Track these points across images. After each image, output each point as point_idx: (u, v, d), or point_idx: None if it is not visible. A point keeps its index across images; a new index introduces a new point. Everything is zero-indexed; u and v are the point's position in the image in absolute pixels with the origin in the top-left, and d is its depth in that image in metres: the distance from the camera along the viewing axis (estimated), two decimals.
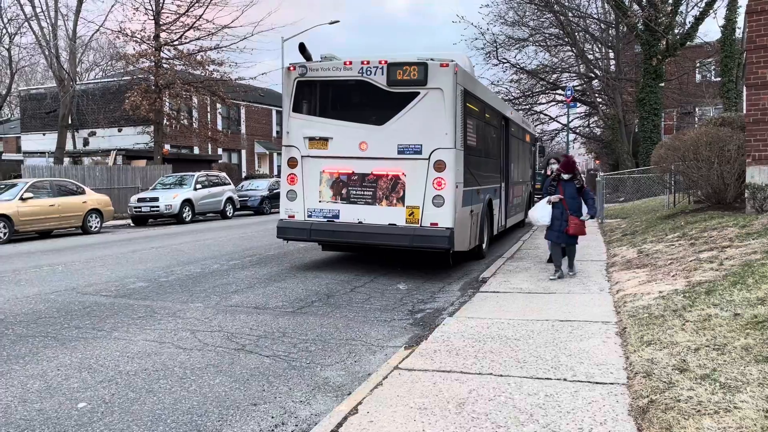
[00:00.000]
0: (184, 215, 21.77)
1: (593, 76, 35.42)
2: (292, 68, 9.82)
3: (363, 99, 9.56)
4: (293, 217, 9.90)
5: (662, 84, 27.67)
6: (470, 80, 10.48)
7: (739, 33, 25.72)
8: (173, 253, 12.55)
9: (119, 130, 34.69)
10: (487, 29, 35.46)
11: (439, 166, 9.03)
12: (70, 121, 32.63)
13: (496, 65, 34.12)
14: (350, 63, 9.45)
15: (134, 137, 33.54)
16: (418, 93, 9.11)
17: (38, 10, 28.59)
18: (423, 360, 4.97)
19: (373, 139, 9.36)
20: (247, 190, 27.42)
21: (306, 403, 4.41)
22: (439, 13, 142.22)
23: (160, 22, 28.74)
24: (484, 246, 11.40)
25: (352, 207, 9.53)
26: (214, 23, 29.47)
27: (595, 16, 33.85)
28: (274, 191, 26.47)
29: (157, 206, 21.35)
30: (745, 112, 12.10)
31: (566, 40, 33.16)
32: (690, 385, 3.85)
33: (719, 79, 28.15)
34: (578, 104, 35.71)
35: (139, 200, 21.76)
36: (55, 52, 28.76)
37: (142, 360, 5.35)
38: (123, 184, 25.93)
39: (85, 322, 6.75)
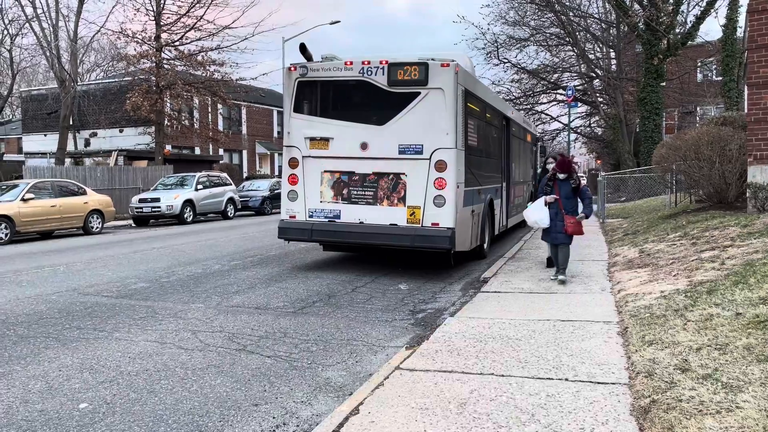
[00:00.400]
0: (185, 216, 21.78)
1: (594, 75, 35.41)
2: (293, 68, 9.81)
3: (364, 99, 9.55)
4: (294, 217, 9.89)
5: (663, 83, 27.67)
6: (471, 80, 10.47)
7: (740, 32, 25.67)
8: (174, 254, 12.56)
9: (120, 131, 34.72)
10: (488, 29, 35.59)
11: (440, 166, 9.02)
12: (71, 122, 32.66)
13: (497, 65, 34.19)
14: (351, 63, 9.45)
15: (135, 138, 33.57)
16: (419, 93, 9.11)
17: (39, 11, 28.66)
18: (424, 360, 4.97)
19: (374, 139, 9.35)
20: (248, 190, 27.41)
21: (307, 403, 4.41)
22: (439, 14, 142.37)
23: (161, 23, 28.76)
24: (485, 246, 11.39)
25: (353, 207, 9.52)
26: (214, 24, 29.53)
27: (596, 15, 33.87)
28: (275, 191, 26.46)
29: (159, 207, 21.36)
30: (746, 111, 12.09)
31: (567, 39, 33.16)
32: (692, 384, 3.85)
33: (720, 78, 28.11)
34: (579, 104, 35.72)
35: (141, 201, 21.77)
36: (56, 53, 28.79)
37: (143, 360, 5.36)
38: (124, 185, 25.95)
39: (87, 322, 6.75)
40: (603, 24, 33.92)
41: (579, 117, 40.07)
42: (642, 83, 27.20)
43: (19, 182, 17.75)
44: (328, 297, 8.08)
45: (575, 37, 32.76)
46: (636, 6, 26.89)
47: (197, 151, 37.76)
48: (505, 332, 5.76)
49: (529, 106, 35.72)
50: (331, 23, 34.03)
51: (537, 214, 8.60)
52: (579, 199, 8.47)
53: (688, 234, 9.90)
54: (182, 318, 6.90)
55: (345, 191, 9.59)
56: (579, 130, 40.77)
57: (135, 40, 28.72)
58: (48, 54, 29.09)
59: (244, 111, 42.06)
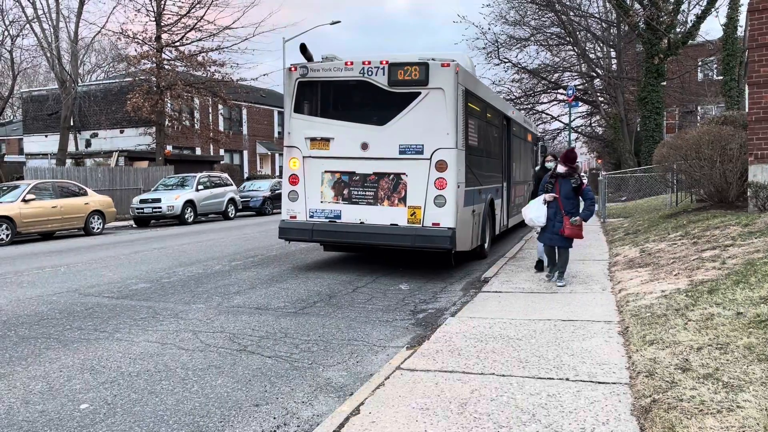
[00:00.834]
0: (186, 216, 21.79)
1: (595, 75, 35.41)
2: (293, 69, 9.82)
3: (364, 99, 9.55)
4: (295, 217, 9.90)
5: (664, 83, 27.66)
6: (471, 80, 10.47)
7: (740, 31, 25.67)
8: (175, 254, 12.56)
9: (121, 132, 34.74)
10: (489, 29, 35.64)
11: (441, 166, 9.03)
12: (72, 123, 32.70)
13: (498, 65, 34.19)
14: (351, 63, 9.45)
15: (136, 138, 33.58)
16: (420, 93, 9.11)
17: (40, 12, 28.68)
18: (425, 360, 4.97)
19: (375, 140, 9.36)
20: (249, 190, 27.42)
21: (308, 403, 4.41)
22: (439, 13, 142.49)
23: (162, 24, 28.78)
24: (486, 246, 11.39)
25: (354, 207, 9.53)
26: (215, 24, 29.56)
27: (596, 15, 33.85)
28: (276, 192, 26.45)
29: (159, 207, 21.37)
30: (747, 110, 12.08)
31: (568, 39, 33.17)
32: (693, 384, 3.84)
33: (721, 77, 28.11)
34: (580, 103, 35.73)
35: (141, 201, 21.78)
36: (56, 54, 28.82)
37: (144, 361, 5.36)
38: (125, 186, 25.96)
39: (88, 323, 6.76)
40: (603, 23, 33.91)
41: (580, 116, 40.12)
42: (642, 82, 27.19)
43: (20, 183, 17.76)
44: (329, 297, 8.08)
45: (576, 37, 32.75)
46: (636, 5, 26.88)
47: (198, 151, 37.78)
48: (505, 332, 5.76)
49: (529, 106, 35.71)
50: (331, 23, 34.06)
51: (533, 212, 8.25)
52: (581, 200, 8.06)
53: (689, 233, 9.89)
54: (183, 318, 6.91)
55: (346, 191, 9.59)
56: (580, 130, 40.78)
57: (135, 40, 28.76)
58: (49, 55, 29.12)
59: (244, 111, 42.08)
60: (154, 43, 28.78)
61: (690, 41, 26.86)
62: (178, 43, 29.49)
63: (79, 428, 4.02)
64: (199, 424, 4.06)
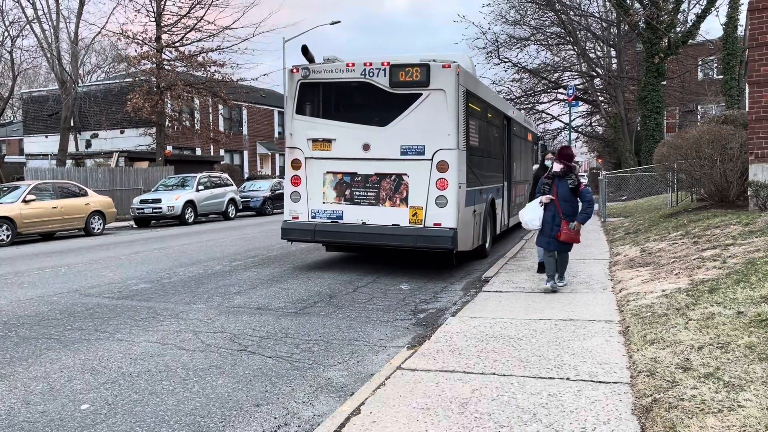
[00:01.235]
0: (186, 216, 21.79)
1: (595, 74, 35.41)
2: (295, 70, 9.85)
3: (366, 100, 9.59)
4: (297, 218, 9.92)
5: (664, 82, 27.66)
6: (472, 81, 10.50)
7: (740, 30, 25.66)
8: (176, 255, 12.57)
9: (121, 132, 34.74)
10: (489, 28, 35.60)
11: (442, 166, 9.06)
12: (72, 124, 32.71)
13: (498, 64, 34.24)
14: (353, 65, 9.47)
15: (136, 139, 33.59)
16: (421, 94, 9.14)
17: (40, 12, 28.70)
18: (426, 360, 4.96)
19: (376, 141, 9.39)
20: (249, 191, 27.41)
21: (309, 403, 4.41)
22: (438, 13, 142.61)
23: (162, 24, 28.79)
24: (487, 245, 11.42)
25: (356, 208, 9.55)
26: (215, 24, 29.58)
27: (596, 14, 33.86)
28: (276, 192, 26.47)
29: (160, 208, 21.37)
30: (747, 109, 12.07)
31: (568, 39, 33.17)
32: (693, 383, 3.84)
33: (721, 76, 28.10)
34: (580, 103, 35.74)
35: (142, 202, 21.78)
36: (56, 55, 28.83)
37: (144, 361, 5.36)
38: (125, 186, 25.97)
39: (88, 323, 6.76)
40: (603, 23, 33.91)
41: (580, 116, 40.14)
42: (643, 82, 27.18)
43: (21, 184, 17.78)
44: (330, 297, 8.08)
45: (576, 37, 32.75)
46: (636, 5, 26.89)
47: (198, 151, 37.79)
48: (506, 332, 5.75)
49: (529, 106, 35.72)
50: (331, 23, 34.06)
51: (527, 214, 7.78)
52: (579, 202, 7.58)
53: (689, 233, 9.89)
54: (184, 319, 6.91)
55: (347, 192, 9.61)
56: (580, 129, 40.80)
57: (135, 41, 28.78)
58: (49, 55, 29.13)
59: (245, 111, 42.09)
60: (154, 44, 28.78)
61: (690, 40, 26.86)
62: (178, 44, 29.51)
63: (80, 429, 4.02)
64: (200, 425, 4.06)
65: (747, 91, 12.01)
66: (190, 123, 33.24)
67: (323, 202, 9.74)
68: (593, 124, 42.20)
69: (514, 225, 15.42)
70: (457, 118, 9.10)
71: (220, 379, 4.89)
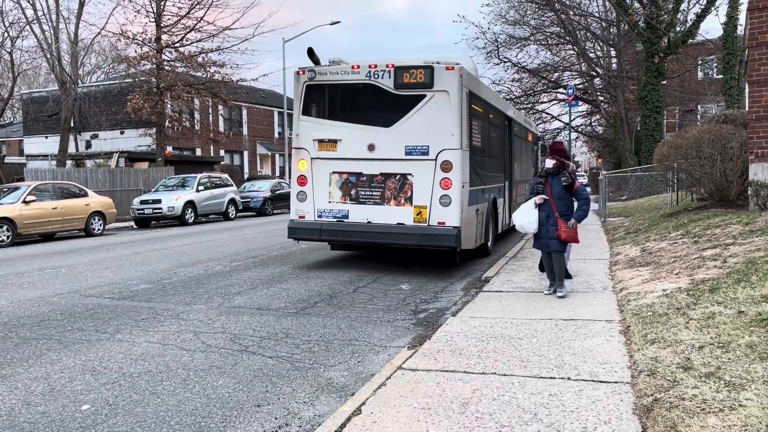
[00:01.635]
0: (186, 217, 21.78)
1: (595, 74, 35.40)
2: (301, 72, 9.94)
3: (371, 102, 9.69)
4: (304, 217, 10.01)
5: (664, 82, 27.63)
6: (475, 82, 10.61)
7: (740, 30, 25.66)
8: (176, 255, 12.56)
9: (121, 133, 34.75)
10: (488, 28, 35.55)
11: (446, 166, 9.15)
12: (72, 124, 32.71)
13: (498, 64, 34.22)
14: (358, 67, 9.56)
15: (136, 139, 33.59)
16: (425, 95, 9.24)
17: (40, 13, 28.71)
18: (426, 360, 4.96)
19: (381, 141, 9.48)
20: (250, 191, 27.38)
21: (309, 404, 4.41)
22: (438, 13, 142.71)
23: (161, 25, 28.78)
24: (489, 244, 11.56)
25: (361, 207, 9.64)
26: (215, 25, 29.57)
27: (596, 14, 33.86)
28: (277, 192, 26.48)
29: (160, 208, 21.37)
30: (747, 109, 12.07)
31: (567, 38, 33.16)
32: (694, 383, 3.84)
33: (721, 76, 28.09)
34: (580, 103, 35.74)
35: (142, 202, 21.77)
36: (56, 55, 28.83)
37: (145, 362, 5.36)
38: (125, 187, 25.97)
39: (89, 324, 6.76)
40: (603, 23, 33.91)
41: (580, 116, 40.14)
42: (643, 81, 27.17)
43: (21, 184, 17.76)
44: (330, 297, 8.08)
45: (575, 36, 32.74)
46: (636, 4, 26.87)
47: (198, 152, 37.79)
48: (507, 331, 5.75)
49: (529, 106, 35.72)
50: (331, 23, 34.08)
51: (523, 217, 7.40)
52: (574, 199, 7.36)
53: (689, 232, 9.89)
54: (184, 319, 6.91)
55: (353, 192, 9.69)
56: (580, 129, 40.81)
57: (135, 41, 28.75)
58: (49, 56, 29.14)
59: (244, 112, 42.10)
60: (154, 44, 28.78)
61: (690, 40, 26.84)
62: (177, 44, 29.49)
63: (80, 429, 4.02)
64: (200, 425, 4.06)
65: (747, 90, 12.01)
66: (190, 123, 33.24)
67: (329, 202, 9.83)
68: (593, 123, 42.22)
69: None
70: (461, 118, 9.19)
71: (221, 380, 4.89)
